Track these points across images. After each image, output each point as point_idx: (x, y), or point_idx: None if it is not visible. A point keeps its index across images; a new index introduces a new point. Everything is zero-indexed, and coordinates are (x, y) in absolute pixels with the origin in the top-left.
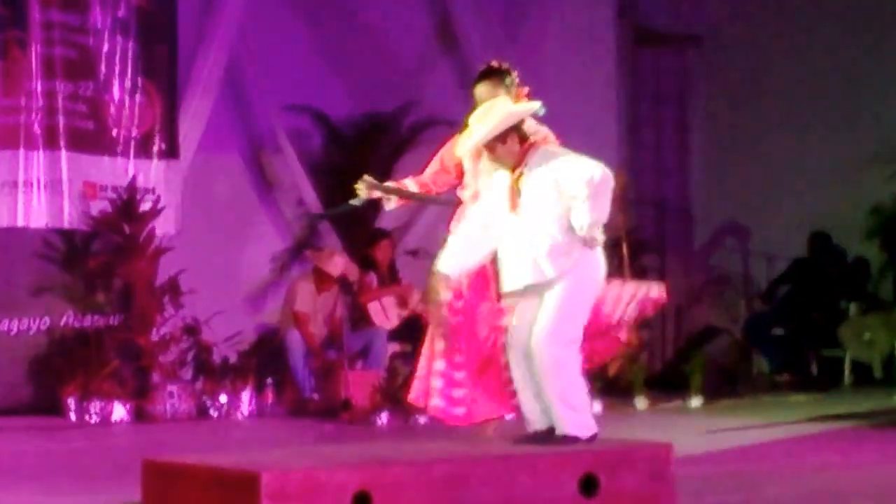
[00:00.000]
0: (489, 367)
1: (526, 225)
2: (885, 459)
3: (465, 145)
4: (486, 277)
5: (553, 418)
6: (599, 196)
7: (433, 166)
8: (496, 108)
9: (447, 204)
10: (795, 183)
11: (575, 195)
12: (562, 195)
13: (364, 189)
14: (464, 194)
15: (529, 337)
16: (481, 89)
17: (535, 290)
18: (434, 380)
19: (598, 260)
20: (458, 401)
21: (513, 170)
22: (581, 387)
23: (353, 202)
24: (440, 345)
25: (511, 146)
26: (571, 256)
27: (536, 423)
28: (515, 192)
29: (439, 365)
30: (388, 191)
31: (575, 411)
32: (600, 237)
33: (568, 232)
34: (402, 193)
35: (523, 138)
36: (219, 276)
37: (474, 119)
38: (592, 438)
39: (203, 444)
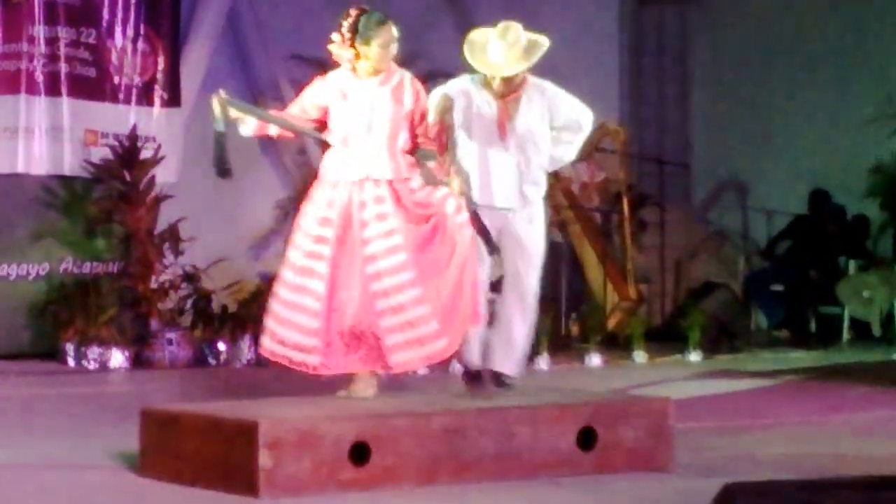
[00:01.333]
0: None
1: (515, 151)
2: (881, 413)
3: (509, 69)
4: None
5: (507, 358)
6: (584, 137)
7: (295, 108)
8: (540, 42)
9: (311, 136)
10: (796, 139)
11: (569, 129)
12: (551, 127)
13: (218, 107)
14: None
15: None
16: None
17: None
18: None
19: None
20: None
21: (503, 97)
22: None
23: (216, 127)
24: None
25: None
26: (544, 187)
27: (472, 363)
28: (506, 119)
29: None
30: (246, 111)
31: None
32: None
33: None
34: (260, 115)
35: None
36: (219, 224)
37: (510, 43)
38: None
39: (201, 393)
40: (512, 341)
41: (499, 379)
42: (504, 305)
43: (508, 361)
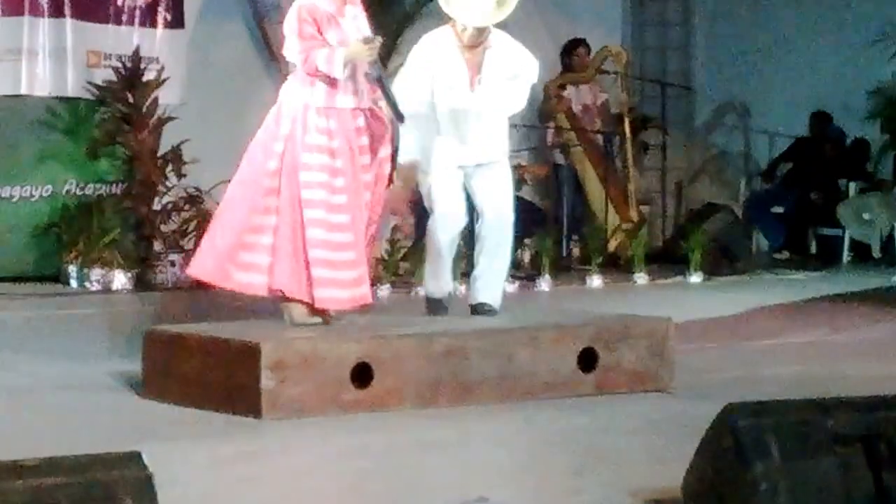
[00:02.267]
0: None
1: (485, 102)
2: (878, 331)
3: (488, 18)
4: None
5: (488, 289)
6: (528, 88)
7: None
8: None
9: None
10: (798, 62)
11: (525, 78)
12: (513, 77)
13: (369, 51)
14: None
15: (500, 207)
16: None
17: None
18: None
19: None
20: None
21: (471, 48)
22: None
23: (375, 74)
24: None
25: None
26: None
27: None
28: (475, 71)
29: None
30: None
31: None
32: None
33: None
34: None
35: None
36: (222, 145)
37: None
38: None
39: (204, 315)
40: (494, 273)
41: (483, 308)
42: (486, 242)
43: (490, 291)
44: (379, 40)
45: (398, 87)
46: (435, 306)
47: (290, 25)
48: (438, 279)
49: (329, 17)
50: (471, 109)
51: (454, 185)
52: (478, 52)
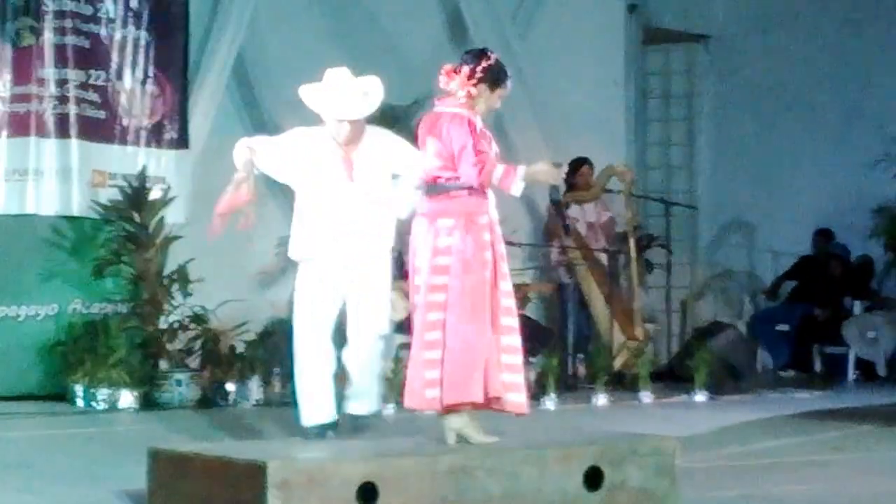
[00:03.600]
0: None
1: (362, 197)
2: (887, 454)
3: (359, 111)
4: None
5: (368, 397)
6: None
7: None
8: (374, 87)
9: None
10: (801, 180)
11: (409, 179)
12: (392, 175)
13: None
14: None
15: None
16: None
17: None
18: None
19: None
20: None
21: (347, 145)
22: None
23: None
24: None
25: (364, 122)
26: (392, 235)
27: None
28: (350, 164)
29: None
30: None
31: None
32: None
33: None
34: None
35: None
36: (227, 265)
37: (350, 92)
38: None
39: (210, 433)
40: (365, 383)
41: (357, 422)
42: (359, 351)
43: (363, 401)
44: (565, 167)
45: (267, 152)
46: (311, 435)
47: (459, 138)
48: (310, 401)
49: (483, 132)
50: (346, 205)
51: (321, 280)
52: (352, 148)
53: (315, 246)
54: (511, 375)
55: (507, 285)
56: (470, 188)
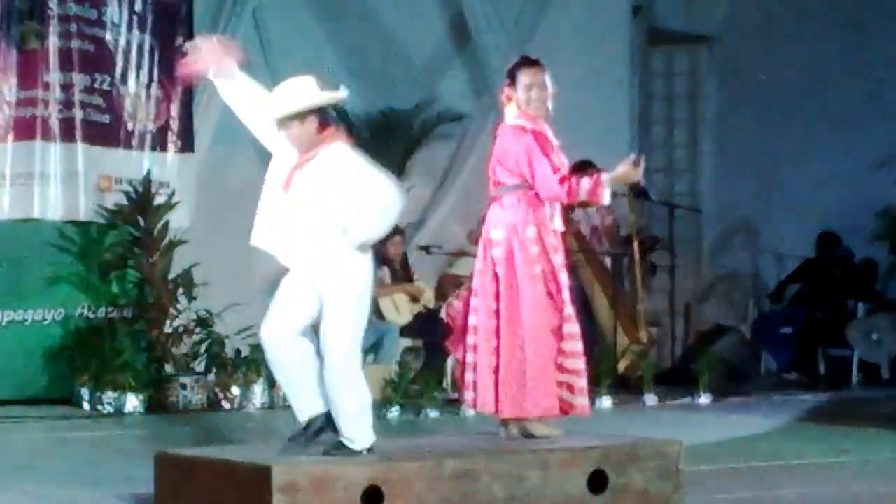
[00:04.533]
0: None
1: (292, 209)
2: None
3: (278, 110)
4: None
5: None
6: (388, 219)
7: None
8: (302, 87)
9: None
10: (805, 183)
11: (371, 204)
12: (343, 197)
13: None
14: None
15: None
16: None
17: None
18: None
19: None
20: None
21: (303, 152)
22: None
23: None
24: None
25: (308, 129)
26: (341, 250)
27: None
28: (292, 174)
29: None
30: None
31: None
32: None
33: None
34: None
35: (323, 126)
36: (232, 269)
37: (279, 91)
38: None
39: (215, 437)
40: (338, 411)
41: (329, 451)
42: (326, 377)
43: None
44: (642, 161)
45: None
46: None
47: (533, 150)
48: (295, 400)
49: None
50: (279, 213)
51: (285, 291)
52: (306, 158)
53: (257, 236)
54: (576, 379)
55: (565, 293)
56: (518, 199)
